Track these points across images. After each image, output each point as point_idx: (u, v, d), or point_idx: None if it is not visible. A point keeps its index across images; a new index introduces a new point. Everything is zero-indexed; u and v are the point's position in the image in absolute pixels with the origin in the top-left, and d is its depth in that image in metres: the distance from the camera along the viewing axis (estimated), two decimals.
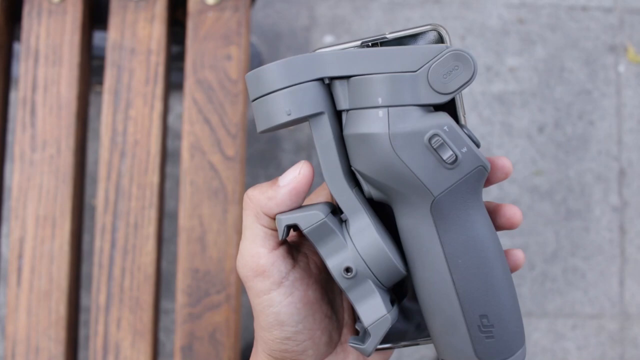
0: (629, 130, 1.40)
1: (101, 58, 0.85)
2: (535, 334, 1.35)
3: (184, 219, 0.81)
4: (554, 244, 1.37)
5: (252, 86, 0.39)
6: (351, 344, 0.40)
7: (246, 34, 0.83)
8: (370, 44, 0.40)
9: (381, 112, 0.37)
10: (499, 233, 0.41)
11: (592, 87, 1.41)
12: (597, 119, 1.40)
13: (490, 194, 1.37)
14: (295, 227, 0.39)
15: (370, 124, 0.37)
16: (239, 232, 0.80)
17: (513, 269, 0.43)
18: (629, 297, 1.36)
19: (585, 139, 1.39)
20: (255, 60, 1.31)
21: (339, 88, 0.39)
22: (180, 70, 0.84)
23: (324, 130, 0.39)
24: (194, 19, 0.84)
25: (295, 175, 0.40)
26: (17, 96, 0.83)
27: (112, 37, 0.84)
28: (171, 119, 1.27)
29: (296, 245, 0.44)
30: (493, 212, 0.42)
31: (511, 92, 1.40)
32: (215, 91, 0.82)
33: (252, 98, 0.40)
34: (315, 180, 0.39)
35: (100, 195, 0.81)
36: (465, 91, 1.40)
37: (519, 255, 0.43)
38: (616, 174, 1.39)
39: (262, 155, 1.36)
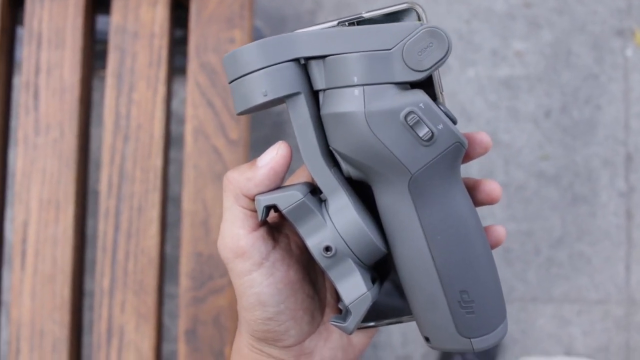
0: (636, 114, 1.39)
1: (104, 42, 0.84)
2: (541, 319, 1.35)
3: (188, 203, 0.81)
4: (560, 229, 1.36)
5: (229, 68, 0.39)
6: (332, 323, 0.40)
7: (249, 17, 0.83)
8: (346, 23, 0.40)
9: (357, 91, 0.37)
10: (484, 210, 0.41)
11: (599, 72, 1.40)
12: (604, 104, 1.39)
13: (495, 178, 1.36)
14: (274, 207, 0.39)
15: (346, 102, 0.37)
16: None
17: (495, 244, 0.43)
18: (635, 283, 1.35)
19: (592, 123, 1.39)
20: None
21: (315, 68, 0.39)
22: (184, 54, 0.84)
23: (300, 110, 0.39)
24: (197, 2, 0.83)
25: (273, 155, 0.40)
26: (20, 80, 0.83)
27: (115, 21, 0.83)
28: (175, 104, 1.27)
29: (277, 226, 0.43)
30: (472, 188, 0.42)
31: (517, 76, 1.40)
32: (218, 74, 0.82)
33: (229, 80, 0.40)
34: (296, 162, 0.39)
35: (104, 179, 0.81)
36: (471, 75, 1.40)
37: (500, 230, 0.43)
38: (623, 159, 1.38)
39: (267, 139, 1.36)
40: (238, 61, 0.39)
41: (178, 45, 0.88)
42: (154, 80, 0.82)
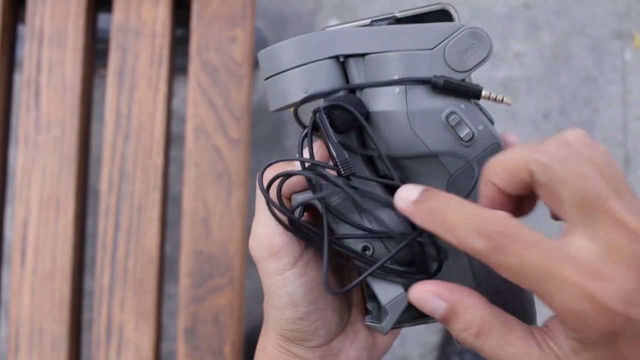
0: (634, 117, 1.39)
1: (106, 41, 0.84)
2: (541, 320, 1.35)
3: (188, 202, 0.81)
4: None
5: (265, 64, 0.39)
6: (368, 323, 0.40)
7: (251, 16, 0.83)
8: (381, 22, 0.40)
9: (398, 90, 0.37)
10: None
11: (598, 74, 1.40)
12: (603, 106, 1.39)
13: None
14: (310, 206, 0.39)
15: (387, 101, 0.37)
16: (242, 215, 0.80)
17: None
18: None
19: (590, 125, 1.39)
20: (261, 45, 1.30)
21: (354, 66, 0.39)
22: (185, 54, 0.84)
23: None
24: (199, 1, 0.83)
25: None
26: (22, 78, 0.83)
27: (117, 19, 0.83)
28: (176, 103, 1.27)
29: None
30: None
31: (516, 78, 1.40)
32: (220, 73, 0.82)
33: (265, 76, 0.39)
34: None
35: (104, 178, 0.81)
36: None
37: None
38: (621, 161, 1.38)
39: (267, 139, 1.36)
40: (276, 58, 0.39)
41: (179, 44, 0.88)
42: (155, 79, 0.83)
